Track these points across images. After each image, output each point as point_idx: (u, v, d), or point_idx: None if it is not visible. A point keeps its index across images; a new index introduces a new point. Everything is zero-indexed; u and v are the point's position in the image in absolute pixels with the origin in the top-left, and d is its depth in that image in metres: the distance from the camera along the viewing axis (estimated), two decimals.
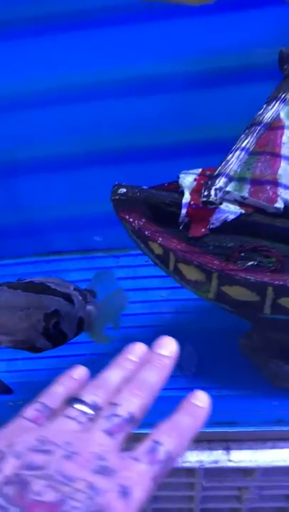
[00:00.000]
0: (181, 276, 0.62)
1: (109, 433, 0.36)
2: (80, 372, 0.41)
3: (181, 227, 0.64)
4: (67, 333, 0.61)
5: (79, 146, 0.89)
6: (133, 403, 0.37)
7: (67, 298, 0.62)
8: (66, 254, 1.00)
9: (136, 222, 0.62)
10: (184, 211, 0.63)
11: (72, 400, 0.38)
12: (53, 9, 0.78)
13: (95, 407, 0.37)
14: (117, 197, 0.64)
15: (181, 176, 0.66)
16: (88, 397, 0.38)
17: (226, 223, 0.62)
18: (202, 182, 0.62)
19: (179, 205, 0.63)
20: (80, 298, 0.65)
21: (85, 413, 0.37)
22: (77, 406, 0.37)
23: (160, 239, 0.61)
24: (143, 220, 0.62)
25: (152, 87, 0.84)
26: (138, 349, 0.41)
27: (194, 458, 0.62)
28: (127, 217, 0.62)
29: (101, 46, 0.80)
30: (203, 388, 0.40)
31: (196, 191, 0.63)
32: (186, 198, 0.62)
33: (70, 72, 0.82)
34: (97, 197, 0.72)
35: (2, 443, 0.35)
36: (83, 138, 0.88)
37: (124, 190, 0.64)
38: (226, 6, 0.76)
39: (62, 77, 0.82)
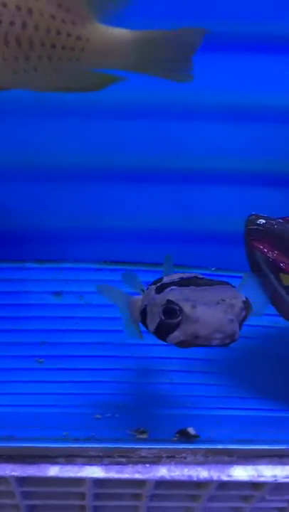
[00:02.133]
0: None
1: None
2: None
3: None
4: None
5: (161, 161, 0.89)
6: None
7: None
8: (132, 265, 0.96)
9: (270, 253, 0.67)
10: None
11: None
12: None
13: None
14: (254, 227, 0.67)
15: None
16: None
17: None
18: None
19: None
20: None
21: None
22: None
23: None
24: (276, 251, 0.66)
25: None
26: None
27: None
28: (262, 247, 0.67)
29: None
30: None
31: None
32: None
33: None
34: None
35: None
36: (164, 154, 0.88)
37: (263, 221, 0.67)
38: None
39: None
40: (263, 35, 0.84)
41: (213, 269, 0.97)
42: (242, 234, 0.70)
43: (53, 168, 0.90)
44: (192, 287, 0.58)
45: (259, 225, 0.67)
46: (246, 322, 0.86)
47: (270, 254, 0.67)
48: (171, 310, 0.56)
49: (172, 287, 0.59)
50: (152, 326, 0.60)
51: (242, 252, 0.71)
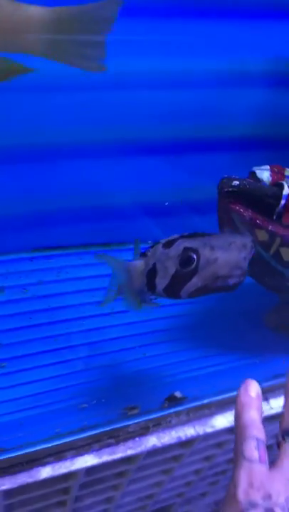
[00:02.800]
0: (278, 259, 0.70)
1: None
2: (255, 388, 0.41)
3: (274, 217, 0.70)
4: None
5: (98, 134, 0.84)
6: None
7: None
8: (68, 249, 0.92)
9: (246, 212, 0.69)
10: (283, 202, 0.70)
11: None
12: None
13: None
14: (229, 189, 0.68)
15: (257, 171, 0.73)
16: None
17: None
18: (276, 177, 0.73)
19: (279, 197, 0.70)
20: None
21: None
22: None
23: (270, 226, 0.69)
24: (250, 210, 0.69)
25: None
26: None
27: None
28: (238, 208, 0.68)
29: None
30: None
31: (275, 185, 0.72)
32: (287, 190, 0.70)
33: None
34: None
35: (257, 496, 0.31)
36: (109, 126, 0.84)
37: (237, 182, 0.68)
38: None
39: None
40: None
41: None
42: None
43: None
44: (200, 238, 0.59)
45: (234, 186, 0.68)
46: None
47: (246, 214, 0.69)
48: (188, 258, 0.57)
49: (180, 240, 0.59)
50: (164, 282, 0.60)
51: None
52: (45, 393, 0.70)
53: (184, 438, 0.71)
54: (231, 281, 0.57)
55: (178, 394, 0.71)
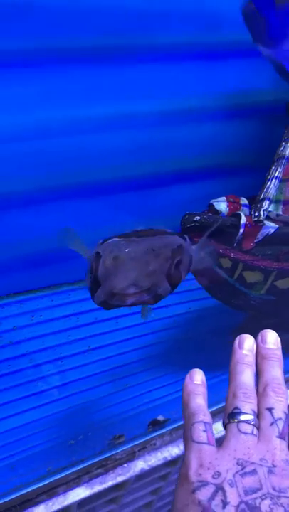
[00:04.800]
0: (241, 281, 0.76)
1: (282, 437, 0.37)
2: (199, 376, 0.44)
3: (234, 244, 0.75)
4: (182, 276, 0.55)
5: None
6: (281, 403, 0.39)
7: (181, 235, 0.59)
8: (38, 292, 0.94)
9: None
10: (241, 230, 0.74)
11: (236, 413, 0.38)
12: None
13: (255, 415, 0.38)
14: (192, 224, 0.72)
15: (215, 203, 0.79)
16: (246, 407, 0.38)
17: (266, 236, 0.76)
18: (232, 207, 0.78)
19: (237, 226, 0.75)
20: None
21: (252, 424, 0.37)
22: (243, 417, 0.38)
23: (232, 254, 0.74)
24: (212, 241, 0.73)
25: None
26: (249, 342, 0.44)
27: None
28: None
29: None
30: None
31: (233, 215, 0.77)
32: (243, 219, 0.74)
33: None
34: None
35: (207, 474, 0.34)
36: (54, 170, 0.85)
37: (198, 217, 0.72)
38: None
39: None
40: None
41: None
42: None
43: None
44: (125, 240, 0.52)
45: (196, 221, 0.73)
46: (165, 315, 0.92)
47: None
48: (91, 266, 0.51)
49: (110, 240, 0.53)
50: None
51: None
52: (34, 435, 0.72)
53: (169, 458, 0.74)
54: (129, 301, 0.49)
55: (160, 417, 0.74)
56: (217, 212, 0.78)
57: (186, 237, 0.62)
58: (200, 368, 0.45)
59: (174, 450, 0.75)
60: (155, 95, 0.87)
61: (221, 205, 0.79)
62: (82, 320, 0.89)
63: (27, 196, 0.84)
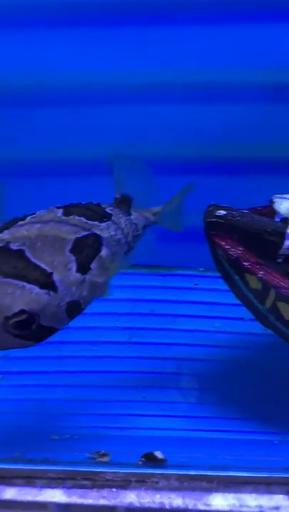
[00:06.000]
0: (277, 315, 0.57)
1: None
2: None
3: (279, 260, 0.58)
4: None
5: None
6: None
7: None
8: None
9: (233, 250, 0.57)
10: (287, 242, 0.57)
11: None
12: None
13: None
14: (213, 219, 0.57)
15: (277, 200, 0.60)
16: None
17: None
18: None
19: (282, 235, 0.57)
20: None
21: None
22: None
23: (261, 272, 0.56)
24: (240, 248, 0.57)
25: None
26: None
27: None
28: (223, 243, 0.57)
29: None
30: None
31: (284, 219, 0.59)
32: None
33: None
34: None
35: None
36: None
37: (224, 212, 0.57)
38: None
39: None
40: None
41: (201, 269, 0.90)
42: None
43: None
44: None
45: (219, 217, 0.58)
46: (227, 329, 0.81)
47: (233, 252, 0.57)
48: None
49: None
50: None
51: None
52: (24, 413, 0.67)
53: (167, 506, 0.63)
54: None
55: (158, 454, 0.63)
56: (273, 212, 0.61)
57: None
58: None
59: (177, 501, 0.63)
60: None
61: (283, 205, 0.61)
62: (138, 308, 0.82)
63: None
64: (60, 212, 0.53)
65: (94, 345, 0.77)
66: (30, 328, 0.46)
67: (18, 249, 0.47)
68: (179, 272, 0.91)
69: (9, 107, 0.81)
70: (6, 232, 0.49)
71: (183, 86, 0.79)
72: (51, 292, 0.46)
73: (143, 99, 0.80)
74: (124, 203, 0.61)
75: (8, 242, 0.47)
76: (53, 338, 0.54)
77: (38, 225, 0.49)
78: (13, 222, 0.51)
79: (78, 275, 0.48)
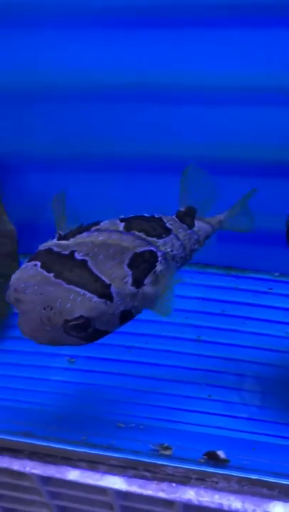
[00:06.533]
0: None
1: None
2: None
3: None
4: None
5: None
6: None
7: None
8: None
9: None
10: None
11: None
12: None
13: None
14: None
15: None
16: None
17: None
18: None
19: None
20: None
21: None
22: None
23: None
24: None
25: None
26: None
27: None
28: None
29: None
30: None
31: None
32: None
33: None
34: None
35: None
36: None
37: None
38: None
39: None
40: None
41: (276, 274, 0.89)
42: None
43: None
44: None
45: None
46: None
47: None
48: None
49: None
50: None
51: None
52: (94, 398, 0.69)
53: (226, 508, 0.62)
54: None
55: (221, 453, 0.62)
56: None
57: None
58: None
59: (236, 504, 0.62)
60: None
61: None
62: (208, 307, 0.82)
63: None
64: (121, 225, 0.56)
65: (162, 339, 0.78)
66: (86, 331, 0.50)
67: (82, 259, 0.51)
68: (253, 274, 0.89)
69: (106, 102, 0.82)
70: (71, 239, 0.53)
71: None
72: (108, 302, 0.50)
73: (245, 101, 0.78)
74: (188, 216, 0.63)
75: (73, 251, 0.52)
76: (124, 328, 0.57)
77: (101, 238, 0.53)
78: (78, 231, 0.55)
79: (133, 288, 0.52)
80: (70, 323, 0.49)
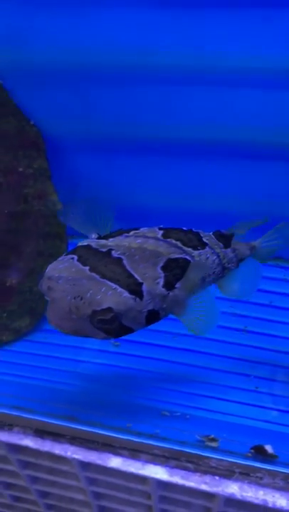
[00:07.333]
0: None
1: None
2: None
3: None
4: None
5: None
6: None
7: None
8: None
9: None
10: None
11: None
12: None
13: None
14: None
15: None
16: None
17: None
18: None
19: None
20: None
21: None
22: None
23: None
24: None
25: None
26: None
27: None
28: None
29: None
30: None
31: None
32: None
33: None
34: None
35: None
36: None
37: None
38: None
39: None
40: None
41: None
42: None
43: None
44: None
45: None
46: None
47: None
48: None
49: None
50: None
51: None
52: (139, 385, 0.67)
53: (270, 505, 0.60)
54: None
55: (269, 448, 0.60)
56: None
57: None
58: None
59: (281, 501, 0.60)
60: None
61: None
62: (255, 297, 0.78)
63: None
64: (160, 233, 0.57)
65: None
66: (112, 325, 0.51)
67: (118, 257, 0.53)
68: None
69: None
70: (110, 239, 0.55)
71: None
72: (137, 299, 0.52)
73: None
74: (225, 238, 0.63)
75: (110, 249, 0.54)
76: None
77: (139, 240, 0.55)
78: (119, 233, 0.57)
79: (163, 290, 0.54)
80: (98, 315, 0.50)
